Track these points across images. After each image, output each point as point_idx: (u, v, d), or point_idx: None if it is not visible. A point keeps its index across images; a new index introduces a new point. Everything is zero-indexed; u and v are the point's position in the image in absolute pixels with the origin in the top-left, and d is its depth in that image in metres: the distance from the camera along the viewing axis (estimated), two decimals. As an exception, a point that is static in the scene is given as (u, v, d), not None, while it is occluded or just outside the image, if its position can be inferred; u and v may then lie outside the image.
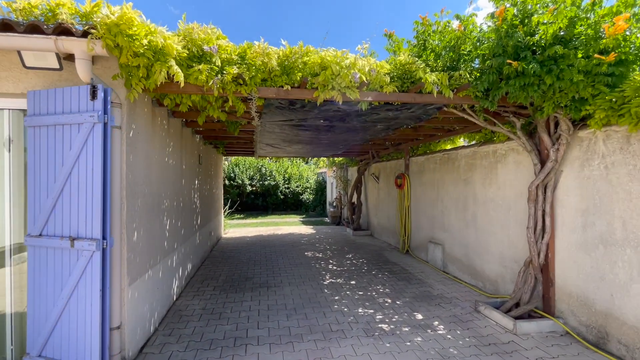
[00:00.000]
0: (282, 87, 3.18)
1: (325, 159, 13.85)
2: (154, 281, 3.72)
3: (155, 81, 2.69)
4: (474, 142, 5.71)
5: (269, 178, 17.60)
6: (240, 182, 17.12)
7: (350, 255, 7.33)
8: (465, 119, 4.67)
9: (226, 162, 17.94)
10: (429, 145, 7.25)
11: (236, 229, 11.83)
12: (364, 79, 3.06)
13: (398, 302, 4.49)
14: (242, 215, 16.59)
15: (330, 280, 5.52)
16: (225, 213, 11.91)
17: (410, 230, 7.39)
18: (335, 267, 6.32)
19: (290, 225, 12.80)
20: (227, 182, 17.16)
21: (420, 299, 4.61)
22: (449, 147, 6.80)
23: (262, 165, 17.90)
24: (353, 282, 5.39)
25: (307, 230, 11.45)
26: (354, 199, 11.26)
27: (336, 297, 4.69)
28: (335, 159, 12.60)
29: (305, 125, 4.63)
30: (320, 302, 4.50)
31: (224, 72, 2.99)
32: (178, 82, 2.77)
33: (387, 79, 3.23)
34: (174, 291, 4.54)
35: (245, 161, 17.98)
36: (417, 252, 7.15)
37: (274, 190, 17.75)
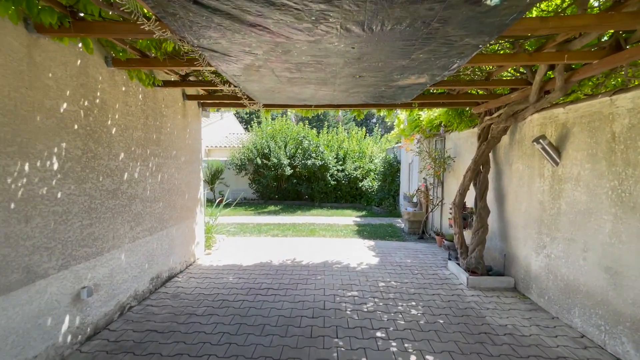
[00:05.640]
0: None
1: (399, 118, 7.65)
2: None
3: None
4: None
5: (314, 156, 12.30)
6: (276, 161, 12.23)
7: None
8: None
9: (260, 133, 13.23)
10: None
11: (242, 238, 6.95)
12: None
13: None
14: (278, 208, 11.81)
15: None
16: (220, 210, 7.02)
17: None
18: None
19: (336, 237, 7.42)
20: (259, 161, 12.49)
21: None
22: None
23: (303, 137, 12.67)
24: None
25: (363, 253, 5.97)
26: (468, 202, 5.29)
27: None
28: (421, 117, 6.58)
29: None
30: None
31: None
32: None
33: None
34: None
35: (284, 132, 13.02)
36: None
37: (322, 173, 12.43)
